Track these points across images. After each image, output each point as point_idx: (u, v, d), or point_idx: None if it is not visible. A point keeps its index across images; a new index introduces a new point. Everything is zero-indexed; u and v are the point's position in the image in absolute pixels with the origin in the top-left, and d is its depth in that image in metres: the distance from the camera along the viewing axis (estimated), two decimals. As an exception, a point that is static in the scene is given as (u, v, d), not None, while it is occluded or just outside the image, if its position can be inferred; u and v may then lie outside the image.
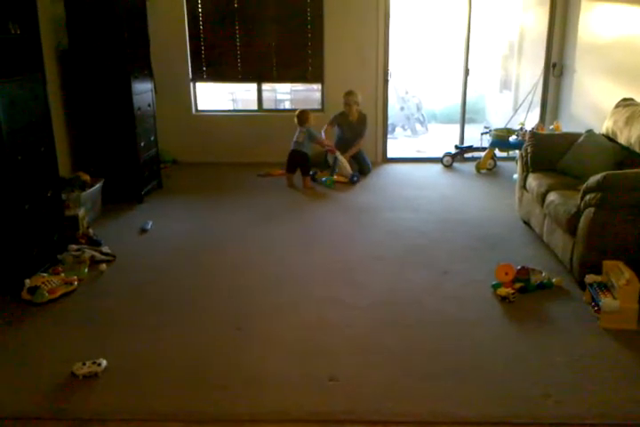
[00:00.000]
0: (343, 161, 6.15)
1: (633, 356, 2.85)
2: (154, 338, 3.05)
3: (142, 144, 5.43)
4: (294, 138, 6.11)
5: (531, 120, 7.00)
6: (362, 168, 6.42)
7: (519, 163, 4.82)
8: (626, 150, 4.23)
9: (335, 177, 6.11)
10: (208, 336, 3.06)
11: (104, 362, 2.73)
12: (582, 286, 3.46)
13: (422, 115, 10.00)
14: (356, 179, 6.09)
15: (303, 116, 6.08)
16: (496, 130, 6.74)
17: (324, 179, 6.08)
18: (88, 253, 4.03)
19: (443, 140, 8.61)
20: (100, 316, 3.30)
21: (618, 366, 2.78)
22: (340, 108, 6.45)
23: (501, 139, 6.54)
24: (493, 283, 3.57)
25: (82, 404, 2.51)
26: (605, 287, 3.20)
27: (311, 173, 6.15)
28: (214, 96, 9.27)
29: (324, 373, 2.71)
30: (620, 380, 2.66)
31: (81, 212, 4.46)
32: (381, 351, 2.92)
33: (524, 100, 7.18)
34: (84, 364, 2.70)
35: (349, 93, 6.37)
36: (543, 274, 3.61)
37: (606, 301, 3.07)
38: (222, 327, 3.15)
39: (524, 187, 4.65)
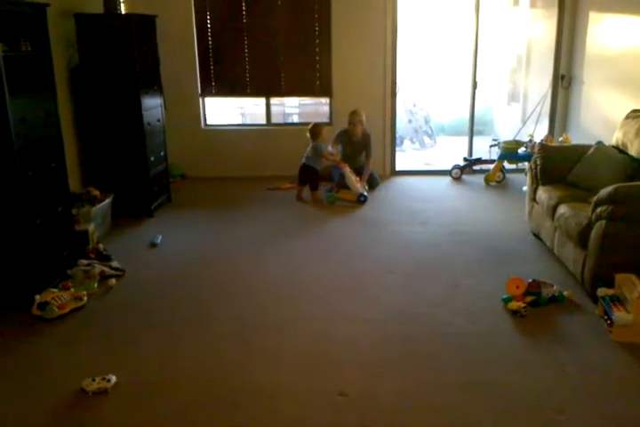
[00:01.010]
0: (351, 178, 5.98)
1: (647, 370, 2.82)
2: (163, 353, 3.04)
3: (152, 159, 5.46)
4: (305, 152, 6.12)
5: (539, 132, 6.99)
6: (370, 182, 6.38)
7: (529, 175, 4.80)
8: (636, 162, 4.20)
9: (340, 194, 5.95)
10: (217, 351, 3.05)
11: (113, 378, 2.72)
12: (594, 299, 3.42)
13: (430, 127, 10.01)
14: (362, 199, 5.84)
15: (315, 130, 6.09)
16: (505, 142, 6.73)
17: (327, 194, 5.99)
18: (98, 268, 4.04)
19: (451, 153, 8.61)
20: (109, 331, 3.30)
21: (631, 380, 2.74)
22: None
23: (510, 151, 6.53)
24: (504, 297, 3.54)
25: (91, 420, 2.50)
26: (618, 300, 3.17)
27: (328, 186, 6.11)
28: (223, 111, 9.33)
29: (334, 387, 2.69)
30: (633, 394, 2.63)
31: (91, 227, 4.48)
32: (391, 365, 2.89)
33: (532, 112, 7.17)
34: (93, 380, 2.69)
35: (354, 113, 6.29)
36: (554, 287, 3.58)
37: (619, 314, 3.04)
38: (232, 342, 3.14)
39: (533, 199, 4.63)
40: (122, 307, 3.61)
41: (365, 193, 5.92)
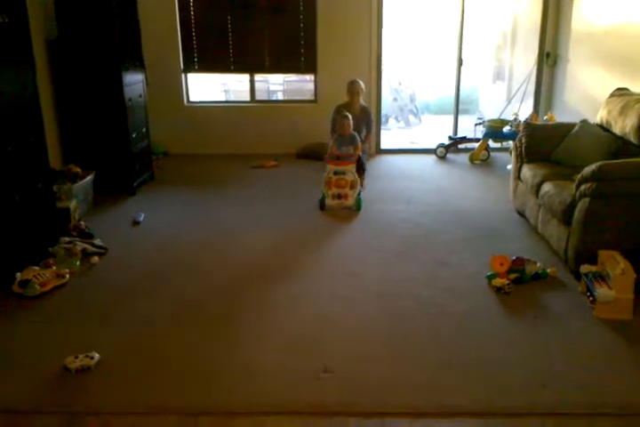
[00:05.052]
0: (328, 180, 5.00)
1: (628, 345, 2.85)
2: (147, 331, 3.02)
3: (134, 136, 5.37)
4: None
5: (524, 110, 6.98)
6: (357, 167, 5.81)
7: (513, 153, 4.80)
8: (620, 140, 4.22)
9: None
10: (201, 330, 3.04)
11: (96, 355, 2.70)
12: (577, 276, 3.45)
13: (415, 106, 9.97)
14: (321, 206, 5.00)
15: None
16: (489, 121, 6.72)
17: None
18: (80, 245, 3.99)
19: (436, 132, 8.59)
20: (91, 309, 3.27)
21: (613, 355, 2.78)
22: (333, 98, 6.21)
23: (495, 129, 6.53)
24: (488, 274, 3.55)
25: (75, 397, 2.48)
26: (601, 277, 3.19)
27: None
28: (206, 87, 9.20)
29: (319, 365, 2.69)
30: (615, 369, 2.66)
31: (72, 204, 4.42)
32: (377, 343, 2.90)
33: (517, 91, 7.15)
34: (76, 357, 2.67)
35: (354, 82, 5.70)
36: (538, 264, 3.60)
37: (601, 291, 3.06)
38: (216, 321, 3.12)
39: (518, 177, 4.63)
40: (104, 285, 3.57)
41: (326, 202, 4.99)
